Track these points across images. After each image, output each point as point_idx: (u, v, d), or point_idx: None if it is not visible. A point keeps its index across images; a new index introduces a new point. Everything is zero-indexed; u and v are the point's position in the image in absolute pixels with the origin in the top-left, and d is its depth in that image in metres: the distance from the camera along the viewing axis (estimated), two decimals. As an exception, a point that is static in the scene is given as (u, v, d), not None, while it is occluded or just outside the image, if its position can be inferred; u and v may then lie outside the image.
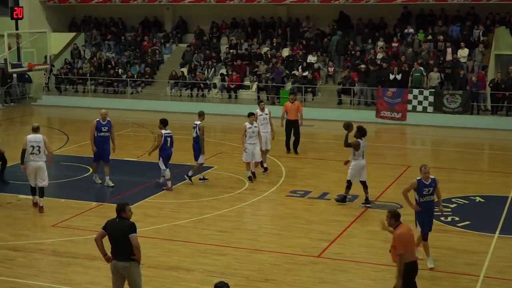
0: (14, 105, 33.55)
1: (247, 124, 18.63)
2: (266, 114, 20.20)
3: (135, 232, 10.05)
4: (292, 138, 22.19)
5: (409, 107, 28.74)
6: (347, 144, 16.69)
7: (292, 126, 21.94)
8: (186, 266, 13.05)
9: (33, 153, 16.37)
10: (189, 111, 31.37)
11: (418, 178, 12.65)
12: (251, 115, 18.82)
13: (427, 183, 12.61)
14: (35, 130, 16.65)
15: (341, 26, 33.48)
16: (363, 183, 16.83)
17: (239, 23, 35.98)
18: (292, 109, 21.75)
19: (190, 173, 18.94)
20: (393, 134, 27.26)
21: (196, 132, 18.70)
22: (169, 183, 18.35)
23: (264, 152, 19.83)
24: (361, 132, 16.58)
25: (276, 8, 35.23)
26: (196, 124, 18.77)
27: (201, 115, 18.92)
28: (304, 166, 20.65)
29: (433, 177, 12.73)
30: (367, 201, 16.85)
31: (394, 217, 10.50)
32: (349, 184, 16.79)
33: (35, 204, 16.77)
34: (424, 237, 12.78)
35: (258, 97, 31.65)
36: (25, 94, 34.93)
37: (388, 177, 19.74)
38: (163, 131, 18.33)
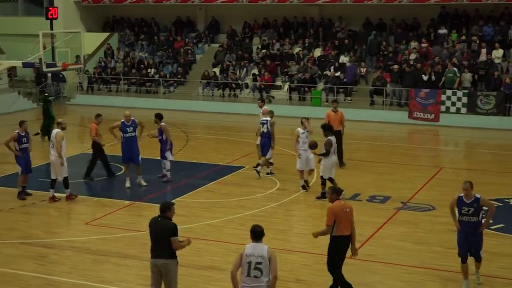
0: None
1: (300, 130, 18.02)
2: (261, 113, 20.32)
3: (177, 235, 10.13)
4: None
5: (442, 108, 28.48)
6: (325, 153, 16.92)
7: (336, 137, 20.32)
8: (218, 265, 13.09)
9: (51, 147, 17.27)
10: (221, 111, 31.56)
11: (460, 194, 11.72)
12: (304, 119, 18.32)
13: (467, 201, 11.56)
14: (57, 124, 17.57)
15: (370, 29, 33.35)
16: (331, 180, 16.99)
17: (271, 23, 35.97)
18: (335, 118, 20.19)
19: (259, 168, 19.44)
20: (426, 135, 27.05)
21: (267, 128, 19.10)
22: (168, 174, 19.02)
23: (258, 147, 20.20)
24: (329, 129, 17.17)
25: (309, 8, 35.15)
26: (267, 120, 19.18)
27: (270, 112, 19.52)
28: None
29: (478, 196, 11.60)
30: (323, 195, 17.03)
31: (336, 192, 11.35)
32: (322, 180, 17.14)
33: (51, 198, 17.35)
34: (462, 259, 11.87)
35: (290, 97, 31.67)
36: (59, 93, 35.33)
37: (420, 178, 19.59)
38: (164, 124, 18.90)
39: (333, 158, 17.14)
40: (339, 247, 11.38)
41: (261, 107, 20.54)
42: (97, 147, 19.31)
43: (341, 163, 20.47)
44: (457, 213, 11.78)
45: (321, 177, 17.25)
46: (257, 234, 9.43)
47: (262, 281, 9.16)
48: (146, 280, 11.92)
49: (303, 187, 18.21)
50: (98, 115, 19.36)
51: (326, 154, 16.93)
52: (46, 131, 24.84)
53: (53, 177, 17.26)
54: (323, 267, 12.92)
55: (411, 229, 15.17)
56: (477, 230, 11.64)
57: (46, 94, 27.01)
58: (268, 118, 19.24)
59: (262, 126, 19.32)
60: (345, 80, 31.08)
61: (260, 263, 9.17)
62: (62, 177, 17.18)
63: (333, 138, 17.02)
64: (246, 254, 9.20)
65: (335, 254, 11.44)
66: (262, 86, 32.20)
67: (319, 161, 17.25)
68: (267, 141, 19.24)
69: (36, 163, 21.09)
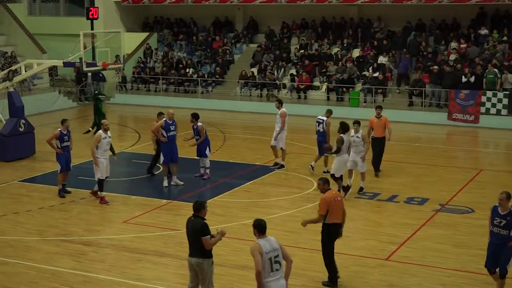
0: (88, 103, 34.31)
1: (351, 132, 18.00)
2: (278, 115, 20.36)
3: (207, 234, 10.18)
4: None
5: (482, 109, 28.09)
6: (336, 150, 17.08)
7: (379, 144, 19.68)
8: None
9: None
10: (258, 111, 31.57)
11: (496, 204, 11.20)
12: (355, 123, 18.13)
13: (502, 213, 10.99)
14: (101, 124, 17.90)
15: (409, 29, 33.08)
16: (337, 178, 17.24)
17: (310, 23, 35.90)
18: (378, 125, 19.59)
19: (325, 169, 19.70)
20: (465, 137, 26.73)
21: (323, 127, 19.43)
22: (208, 171, 19.32)
23: (273, 148, 20.51)
24: (344, 128, 17.17)
25: (347, 9, 35.00)
26: (323, 120, 19.53)
27: (328, 111, 19.88)
28: (373, 168, 20.42)
29: None
30: (347, 189, 17.41)
31: (327, 183, 12.00)
32: (333, 178, 17.07)
33: (93, 192, 17.68)
34: (489, 271, 11.47)
35: (328, 97, 31.57)
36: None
37: (459, 180, 19.38)
38: (200, 124, 19.14)
39: (345, 156, 17.23)
40: (331, 234, 12.02)
41: (278, 108, 20.50)
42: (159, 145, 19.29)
43: (376, 170, 19.84)
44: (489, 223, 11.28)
45: (332, 175, 17.15)
46: (263, 227, 9.57)
47: (281, 271, 9.44)
48: (183, 279, 12.02)
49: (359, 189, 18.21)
50: (160, 113, 19.29)
51: (337, 151, 16.99)
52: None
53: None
54: (361, 268, 12.92)
55: (449, 232, 15.02)
56: (507, 244, 11.08)
57: (96, 92, 27.35)
58: (325, 118, 19.51)
59: (318, 125, 19.61)
60: (396, 72, 30.57)
61: (277, 255, 9.41)
62: (96, 178, 17.12)
63: (345, 136, 17.08)
64: (265, 252, 9.32)
65: (328, 241, 12.07)
66: (300, 87, 32.15)
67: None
68: (322, 139, 19.46)
69: (76, 161, 21.39)
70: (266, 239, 9.47)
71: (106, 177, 17.20)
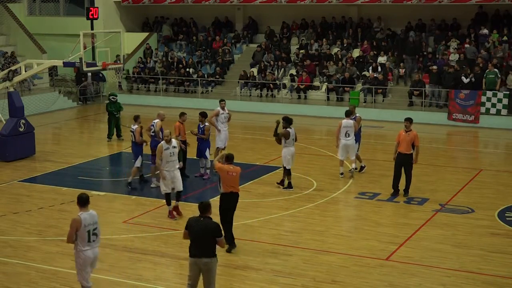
0: (89, 103, 34.34)
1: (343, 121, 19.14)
2: (227, 113, 20.29)
3: (222, 235, 10.39)
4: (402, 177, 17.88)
5: (482, 109, 28.07)
6: (275, 134, 18.16)
7: (404, 162, 17.38)
8: (253, 265, 13.09)
9: None
10: (258, 111, 31.56)
11: None
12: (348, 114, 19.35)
13: None
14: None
15: (409, 29, 33.08)
16: (288, 170, 18.21)
17: (310, 23, 35.88)
18: (405, 139, 17.26)
19: (362, 164, 20.21)
20: (465, 137, 26.70)
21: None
22: (208, 171, 19.40)
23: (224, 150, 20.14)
24: (288, 122, 18.08)
25: (347, 9, 34.98)
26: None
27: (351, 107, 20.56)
28: (373, 168, 20.45)
29: None
30: (289, 185, 18.28)
31: (231, 160, 13.74)
32: (285, 171, 18.25)
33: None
34: None
35: (328, 97, 31.55)
36: (99, 92, 35.71)
37: (459, 180, 19.36)
38: (207, 124, 19.25)
39: (291, 149, 18.04)
40: (229, 201, 13.78)
41: (224, 107, 20.36)
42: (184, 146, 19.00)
43: (405, 193, 17.72)
44: None
45: (284, 167, 18.27)
46: (85, 200, 10.68)
47: (97, 242, 10.75)
48: (183, 279, 12.00)
49: (342, 174, 19.31)
50: (183, 114, 18.99)
51: (276, 135, 18.05)
52: (111, 131, 25.09)
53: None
54: (361, 268, 12.91)
55: (449, 232, 15.01)
56: None
57: (109, 93, 27.01)
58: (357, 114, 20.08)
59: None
60: (433, 66, 30.11)
61: (95, 228, 10.63)
62: (163, 191, 16.07)
63: (292, 130, 17.97)
64: (85, 225, 10.44)
65: (226, 208, 13.78)
66: (300, 87, 32.13)
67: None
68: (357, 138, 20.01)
69: (76, 161, 21.39)
70: (88, 213, 10.56)
71: (178, 190, 16.00)
